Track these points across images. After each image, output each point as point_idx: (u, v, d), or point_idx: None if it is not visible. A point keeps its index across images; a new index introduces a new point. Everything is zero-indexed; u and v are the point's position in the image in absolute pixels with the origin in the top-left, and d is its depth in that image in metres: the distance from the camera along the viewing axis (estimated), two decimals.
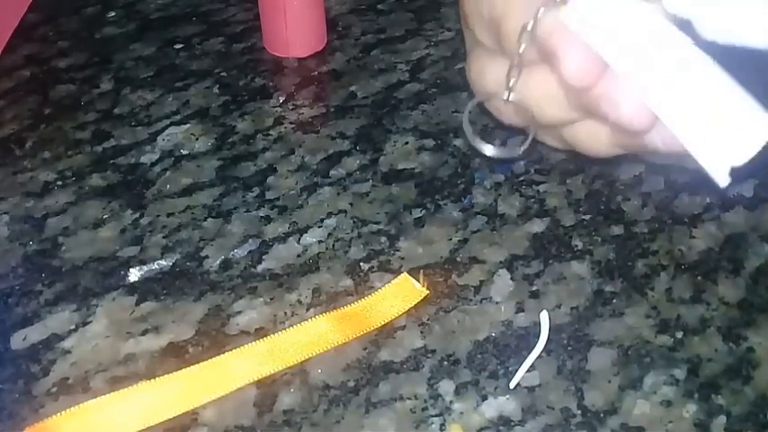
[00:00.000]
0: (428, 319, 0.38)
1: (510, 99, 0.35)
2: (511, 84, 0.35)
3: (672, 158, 0.36)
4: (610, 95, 0.31)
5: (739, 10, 0.28)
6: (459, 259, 0.40)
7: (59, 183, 0.45)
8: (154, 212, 0.43)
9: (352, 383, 0.35)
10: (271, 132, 0.48)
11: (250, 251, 0.41)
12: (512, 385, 0.35)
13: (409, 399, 0.35)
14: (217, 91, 0.51)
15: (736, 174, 0.30)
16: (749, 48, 0.29)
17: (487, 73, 0.37)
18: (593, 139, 0.35)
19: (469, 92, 0.40)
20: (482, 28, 0.37)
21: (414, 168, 0.45)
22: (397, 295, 0.38)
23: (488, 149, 0.36)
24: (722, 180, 0.30)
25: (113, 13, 0.58)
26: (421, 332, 0.37)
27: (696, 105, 0.30)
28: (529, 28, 0.33)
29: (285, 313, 0.38)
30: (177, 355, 0.36)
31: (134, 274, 0.40)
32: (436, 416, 0.34)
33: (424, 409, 0.34)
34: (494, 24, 0.35)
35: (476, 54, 0.38)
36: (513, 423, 0.34)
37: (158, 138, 0.47)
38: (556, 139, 0.38)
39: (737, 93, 0.30)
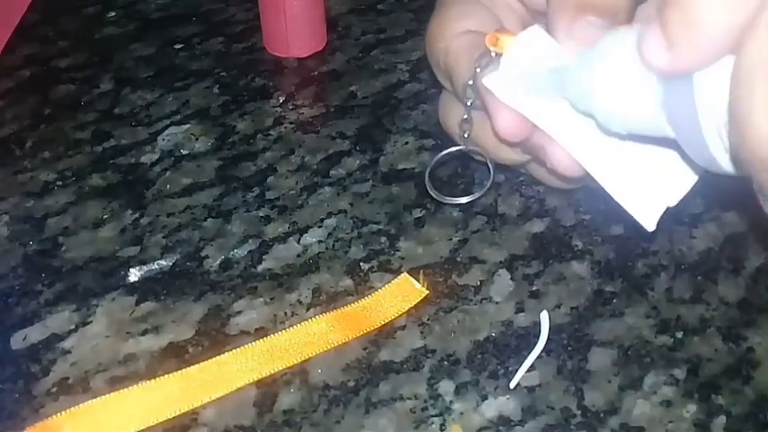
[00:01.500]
0: (428, 319, 0.38)
1: (467, 145, 0.38)
2: (465, 134, 0.38)
3: None
4: (542, 147, 0.34)
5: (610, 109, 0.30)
6: (459, 259, 0.40)
7: (59, 183, 0.45)
8: (154, 212, 0.43)
9: (352, 383, 0.35)
10: (271, 132, 0.48)
11: (250, 251, 0.41)
12: (512, 385, 0.35)
13: (409, 399, 0.35)
14: (217, 91, 0.51)
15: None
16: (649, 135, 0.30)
17: (450, 116, 0.39)
18: (551, 176, 0.38)
19: None
20: (441, 75, 0.39)
21: (414, 168, 0.45)
22: (397, 295, 0.38)
23: (460, 200, 0.40)
24: (650, 226, 0.32)
25: (113, 13, 0.58)
26: (421, 332, 0.37)
27: (619, 159, 0.31)
28: (470, 83, 0.35)
29: (285, 313, 0.38)
30: (177, 355, 0.36)
31: (134, 274, 0.40)
32: (436, 416, 0.34)
33: (424, 409, 0.34)
34: (448, 75, 0.38)
35: (444, 95, 0.41)
36: (513, 423, 0.34)
37: (158, 138, 0.47)
38: (526, 171, 0.41)
39: (658, 146, 0.31)
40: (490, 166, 0.38)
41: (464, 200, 0.40)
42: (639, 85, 0.28)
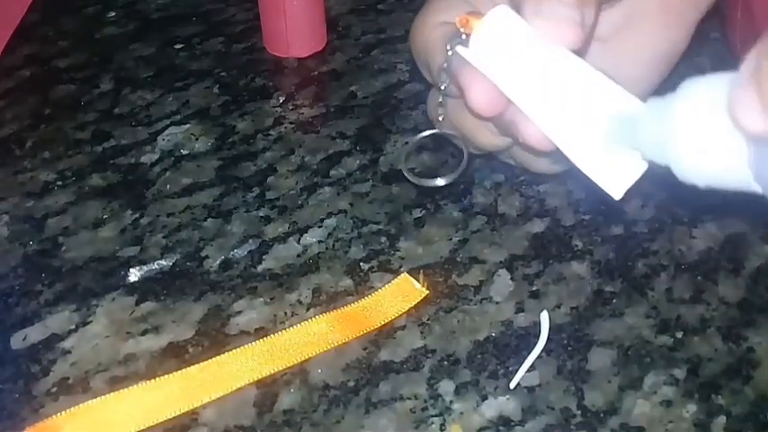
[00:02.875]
0: (428, 319, 0.38)
1: (442, 129, 0.38)
2: (440, 117, 0.38)
3: None
4: (515, 122, 0.34)
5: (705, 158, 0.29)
6: (459, 259, 0.40)
7: (59, 183, 0.45)
8: (154, 212, 0.43)
9: (352, 383, 0.35)
10: (271, 132, 0.48)
11: (250, 251, 0.41)
12: (512, 385, 0.35)
13: (409, 399, 0.35)
14: (217, 91, 0.51)
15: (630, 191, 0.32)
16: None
17: (432, 105, 0.40)
18: (533, 159, 0.39)
19: None
20: (422, 68, 0.39)
21: (414, 168, 0.45)
22: (397, 295, 0.38)
23: (436, 182, 0.40)
24: (617, 195, 0.32)
25: (113, 13, 0.58)
26: (421, 332, 0.37)
27: (587, 132, 0.32)
28: (444, 65, 0.35)
29: (285, 313, 0.38)
30: (177, 355, 0.36)
31: (134, 274, 0.40)
32: (436, 416, 0.34)
33: (424, 409, 0.34)
34: (427, 65, 0.38)
35: (432, 91, 0.41)
36: (513, 423, 0.34)
37: (158, 138, 0.47)
38: (510, 159, 0.41)
39: (627, 113, 0.31)
40: (464, 149, 0.38)
41: (440, 182, 0.39)
42: (725, 136, 0.27)
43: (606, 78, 0.32)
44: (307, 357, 0.36)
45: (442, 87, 0.36)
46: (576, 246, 0.41)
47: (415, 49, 0.39)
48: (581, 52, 0.33)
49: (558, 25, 0.32)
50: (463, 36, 0.34)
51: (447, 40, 0.35)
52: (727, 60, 0.51)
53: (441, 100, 0.37)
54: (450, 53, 0.35)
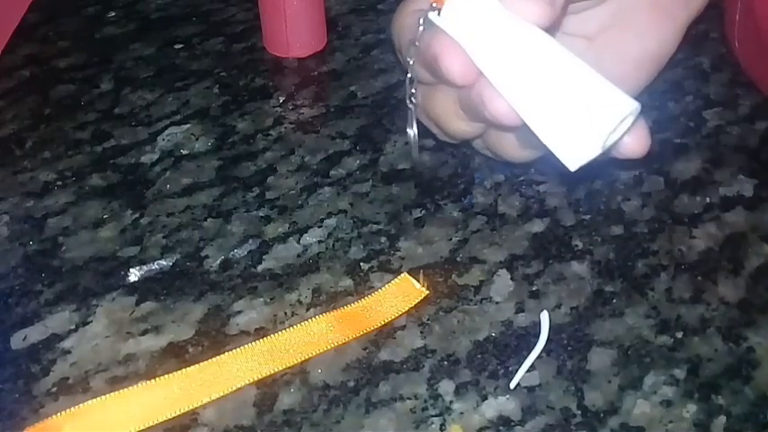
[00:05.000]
0: (428, 319, 0.38)
1: (410, 107, 0.38)
2: (411, 97, 0.38)
3: None
4: (482, 96, 0.34)
5: None
6: (459, 259, 0.40)
7: (59, 183, 0.45)
8: (154, 212, 0.43)
9: (352, 383, 0.35)
10: (271, 132, 0.48)
11: (250, 251, 0.41)
12: (512, 385, 0.35)
13: (409, 399, 0.35)
14: (217, 91, 0.51)
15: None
16: None
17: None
18: (506, 145, 0.38)
19: None
20: (397, 51, 0.39)
21: (414, 168, 0.45)
22: (397, 295, 0.38)
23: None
24: (572, 166, 0.33)
25: (113, 13, 0.58)
26: (421, 332, 0.37)
27: (552, 103, 0.32)
28: (416, 41, 0.35)
29: (285, 313, 0.38)
30: (177, 355, 0.36)
31: (134, 274, 0.40)
32: (436, 416, 0.34)
33: (424, 409, 0.34)
34: (399, 48, 0.38)
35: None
36: (513, 423, 0.34)
37: (158, 138, 0.47)
38: (488, 151, 0.40)
39: (590, 85, 0.32)
40: (413, 117, 0.39)
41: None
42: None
43: (570, 54, 0.33)
44: (307, 357, 0.36)
45: (411, 62, 0.36)
46: (576, 246, 0.41)
47: (393, 36, 0.39)
48: (551, 30, 0.34)
49: (527, 1, 0.32)
50: (435, 9, 0.34)
51: (419, 18, 0.35)
52: (726, 60, 0.51)
53: (413, 90, 0.37)
54: (421, 28, 0.35)
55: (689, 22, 0.40)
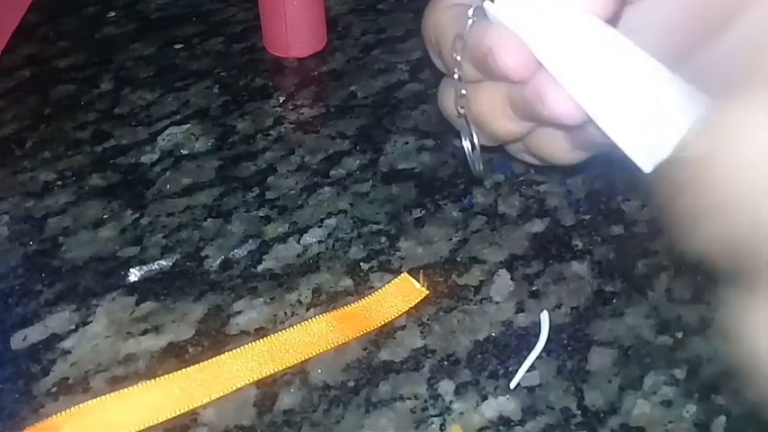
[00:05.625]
0: (428, 319, 0.38)
1: (462, 113, 0.35)
2: (460, 109, 0.35)
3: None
4: (540, 92, 0.32)
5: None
6: (459, 259, 0.40)
7: (59, 183, 0.45)
8: (154, 212, 0.43)
9: (352, 383, 0.35)
10: (271, 132, 0.48)
11: (250, 251, 0.41)
12: (512, 385, 0.35)
13: (409, 399, 0.35)
14: (217, 91, 0.51)
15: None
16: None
17: (446, 97, 0.37)
18: (553, 147, 0.36)
19: None
20: (432, 53, 0.37)
21: (414, 168, 0.45)
22: (397, 295, 0.38)
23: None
24: (647, 168, 0.31)
25: (113, 13, 0.58)
26: (421, 332, 0.37)
27: (620, 101, 0.31)
28: (465, 33, 0.33)
29: (285, 313, 0.38)
30: (177, 355, 0.36)
31: (134, 274, 0.40)
32: (436, 416, 0.34)
33: (424, 409, 0.34)
34: (437, 50, 0.36)
35: (442, 82, 0.38)
36: (513, 423, 0.34)
37: (158, 138, 0.47)
38: (527, 155, 0.38)
39: (663, 83, 0.31)
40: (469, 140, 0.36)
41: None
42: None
43: (638, 48, 0.31)
44: (307, 357, 0.36)
45: (456, 71, 0.34)
46: (576, 246, 0.41)
47: (426, 34, 0.37)
48: (613, 22, 0.32)
49: None
50: (488, 1, 0.32)
51: (465, 12, 0.33)
52: None
53: (463, 91, 0.35)
54: (470, 21, 0.33)
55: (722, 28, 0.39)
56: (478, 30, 0.33)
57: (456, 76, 0.35)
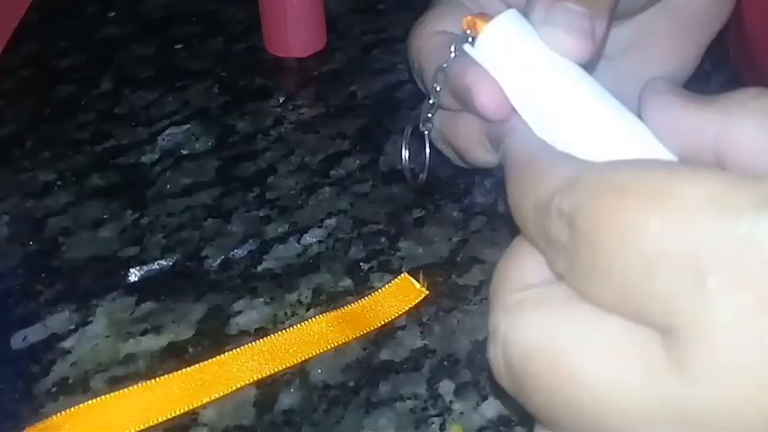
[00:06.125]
0: (428, 319, 0.38)
1: (431, 137, 0.37)
2: (429, 122, 0.36)
3: None
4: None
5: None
6: (459, 259, 0.40)
7: (59, 183, 0.45)
8: (154, 212, 0.43)
9: (352, 383, 0.35)
10: (271, 132, 0.48)
11: (250, 251, 0.41)
12: None
13: (409, 399, 0.35)
14: (217, 91, 0.51)
15: None
16: None
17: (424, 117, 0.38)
18: None
19: None
20: (415, 74, 0.38)
21: (414, 168, 0.45)
22: (397, 295, 0.38)
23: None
24: None
25: (113, 13, 0.58)
26: (421, 332, 0.37)
27: (584, 142, 0.30)
28: (444, 67, 0.34)
29: (285, 313, 0.38)
30: (177, 355, 0.36)
31: (134, 274, 0.40)
32: (436, 416, 0.34)
33: (424, 409, 0.34)
34: (420, 74, 0.37)
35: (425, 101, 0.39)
36: (513, 423, 0.34)
37: (158, 138, 0.47)
38: None
39: (638, 128, 0.29)
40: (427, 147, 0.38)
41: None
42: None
43: (612, 98, 0.31)
44: (307, 357, 0.36)
45: (438, 88, 0.35)
46: None
47: (410, 55, 0.38)
48: (589, 67, 0.32)
49: (566, 35, 0.30)
50: (469, 39, 0.33)
51: (450, 43, 0.33)
52: (726, 60, 0.51)
53: (430, 114, 0.36)
54: (452, 55, 0.33)
55: (708, 44, 0.39)
56: (459, 65, 0.33)
57: (431, 102, 0.36)
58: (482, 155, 0.36)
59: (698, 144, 0.25)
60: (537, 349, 0.22)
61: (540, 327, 0.23)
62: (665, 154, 0.28)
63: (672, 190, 0.20)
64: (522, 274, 0.25)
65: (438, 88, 0.35)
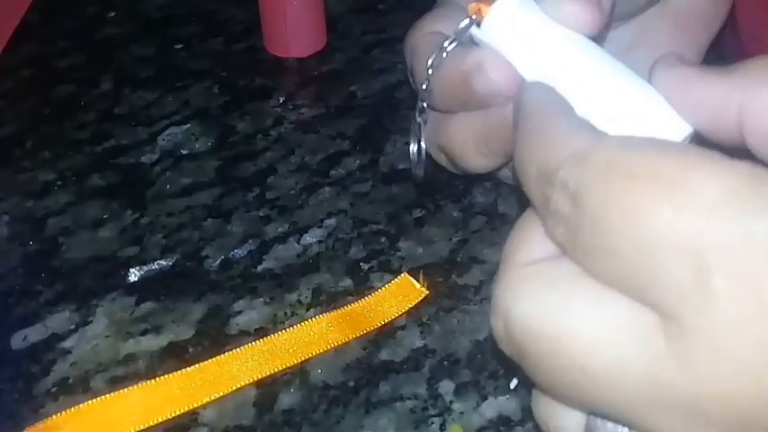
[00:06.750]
0: (428, 319, 0.38)
1: (422, 145, 0.35)
2: (419, 123, 0.35)
3: None
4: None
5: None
6: (459, 259, 0.40)
7: (59, 183, 0.45)
8: (154, 212, 0.43)
9: (352, 383, 0.35)
10: (271, 132, 0.48)
11: (250, 251, 0.41)
12: (512, 385, 0.35)
13: (409, 399, 0.35)
14: (217, 91, 0.51)
15: None
16: None
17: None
18: None
19: None
20: (409, 74, 0.37)
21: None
22: (397, 295, 0.38)
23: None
24: None
25: (113, 13, 0.58)
26: (421, 332, 0.37)
27: (601, 115, 0.29)
28: (430, 62, 0.33)
29: (285, 313, 0.38)
30: (177, 355, 0.36)
31: (134, 274, 0.40)
32: (436, 416, 0.34)
33: (424, 409, 0.34)
34: (411, 72, 0.36)
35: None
36: (513, 423, 0.34)
37: (158, 138, 0.47)
38: (508, 180, 0.38)
39: (651, 95, 0.29)
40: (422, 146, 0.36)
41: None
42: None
43: (623, 66, 0.30)
44: (307, 357, 0.36)
45: (423, 87, 0.34)
46: None
47: (405, 53, 0.37)
48: (598, 39, 0.31)
49: (573, 5, 0.29)
50: (474, 25, 0.32)
51: (442, 41, 0.33)
52: (726, 60, 0.51)
53: (418, 119, 0.35)
54: (447, 48, 0.32)
55: (708, 44, 0.39)
56: (458, 54, 0.32)
57: (424, 105, 0.34)
58: (477, 159, 0.35)
59: (719, 115, 0.25)
60: (539, 330, 0.23)
61: (542, 306, 0.23)
62: (681, 124, 0.28)
63: (686, 182, 0.20)
64: (529, 248, 0.24)
65: (423, 86, 0.34)
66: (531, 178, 0.24)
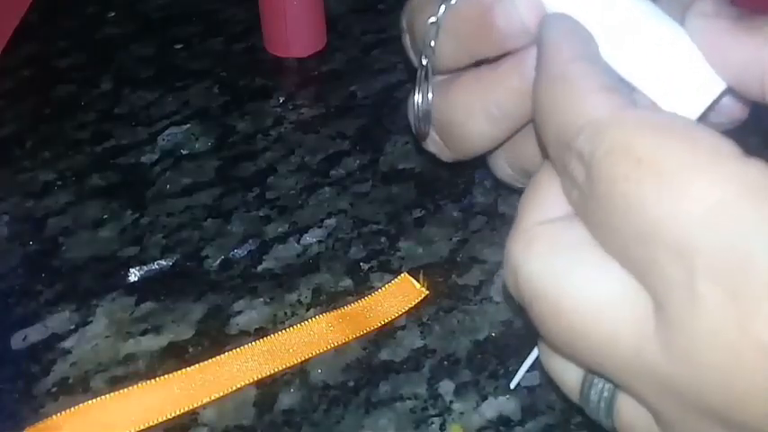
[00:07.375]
0: (428, 319, 0.38)
1: (423, 107, 0.33)
2: (425, 70, 0.32)
3: None
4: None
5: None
6: (459, 259, 0.40)
7: (59, 183, 0.45)
8: (154, 212, 0.43)
9: (352, 383, 0.35)
10: (271, 132, 0.48)
11: (250, 251, 0.41)
12: (512, 385, 0.35)
13: (409, 399, 0.35)
14: (217, 91, 0.51)
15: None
16: None
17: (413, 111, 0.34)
18: (535, 151, 0.32)
19: None
20: (406, 43, 0.35)
21: (414, 168, 0.45)
22: (397, 295, 0.38)
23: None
24: (693, 115, 0.28)
25: (113, 13, 0.58)
26: (421, 332, 0.37)
27: (634, 62, 0.28)
28: (433, 20, 0.30)
29: (285, 313, 0.38)
30: (177, 355, 0.36)
31: (134, 274, 0.40)
32: (436, 416, 0.34)
33: (424, 409, 0.34)
34: (411, 31, 0.33)
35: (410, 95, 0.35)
36: (513, 423, 0.34)
37: (158, 138, 0.47)
38: (510, 173, 0.35)
39: (687, 48, 0.27)
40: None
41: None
42: None
43: (658, 9, 0.28)
44: (307, 357, 0.36)
45: (432, 44, 0.30)
46: None
47: (403, 21, 0.34)
48: None
49: None
50: None
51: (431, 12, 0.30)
52: None
53: (424, 63, 0.31)
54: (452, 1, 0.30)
55: None
56: None
57: (424, 62, 0.31)
58: (480, 126, 0.31)
59: (746, 73, 0.25)
60: (543, 291, 0.23)
61: (549, 269, 0.23)
62: (716, 80, 0.27)
63: (689, 183, 0.21)
64: (544, 206, 0.25)
65: (432, 43, 0.31)
66: (550, 139, 0.24)
